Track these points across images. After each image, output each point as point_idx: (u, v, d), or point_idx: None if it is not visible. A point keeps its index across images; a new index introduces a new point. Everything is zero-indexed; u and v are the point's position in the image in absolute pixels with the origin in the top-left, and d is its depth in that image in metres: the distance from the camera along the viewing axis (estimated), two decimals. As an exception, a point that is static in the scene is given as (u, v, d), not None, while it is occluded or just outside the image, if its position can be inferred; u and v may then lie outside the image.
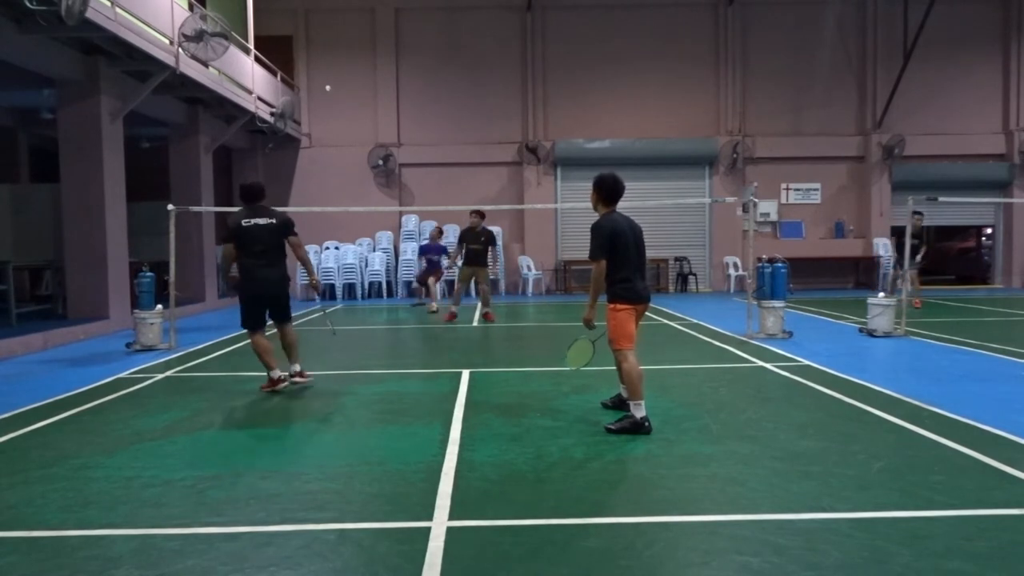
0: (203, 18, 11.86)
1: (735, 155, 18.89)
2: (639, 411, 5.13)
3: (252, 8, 16.08)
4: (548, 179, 19.02)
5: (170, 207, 9.96)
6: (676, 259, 19.21)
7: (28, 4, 8.72)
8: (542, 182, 18.93)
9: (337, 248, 18.48)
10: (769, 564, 3.09)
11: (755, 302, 10.12)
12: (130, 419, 5.76)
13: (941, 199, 11.58)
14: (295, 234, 6.83)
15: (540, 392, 6.58)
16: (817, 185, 19.53)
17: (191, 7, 12.33)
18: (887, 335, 9.85)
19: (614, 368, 5.50)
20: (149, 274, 9.78)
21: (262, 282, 6.66)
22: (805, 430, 5.19)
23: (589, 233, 5.27)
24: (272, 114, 16.35)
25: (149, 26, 11.02)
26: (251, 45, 15.69)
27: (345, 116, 19.01)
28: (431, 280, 14.52)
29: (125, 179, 11.99)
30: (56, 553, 3.29)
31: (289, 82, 18.30)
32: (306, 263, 7.06)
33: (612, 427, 5.15)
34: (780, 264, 10.39)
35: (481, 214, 12.30)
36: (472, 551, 3.27)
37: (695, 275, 19.17)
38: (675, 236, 19.29)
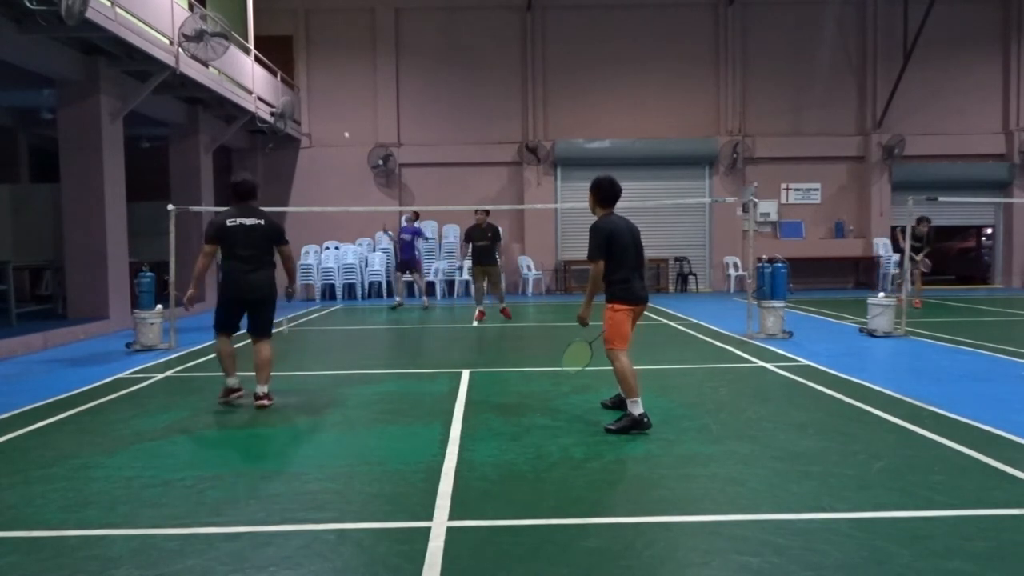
0: (203, 18, 11.86)
1: (735, 155, 18.89)
2: (636, 408, 5.14)
3: (252, 8, 16.08)
4: (548, 179, 19.02)
5: (170, 207, 9.96)
6: (676, 259, 19.20)
7: (28, 4, 8.72)
8: (542, 182, 18.93)
9: (337, 248, 18.48)
10: (769, 564, 3.09)
11: (755, 302, 10.12)
12: (130, 419, 5.76)
13: (941, 199, 11.58)
14: (287, 243, 6.30)
15: (540, 392, 6.58)
16: (817, 185, 19.53)
17: (191, 7, 12.33)
18: (887, 335, 9.85)
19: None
20: (149, 274, 9.78)
21: (246, 286, 6.04)
22: (805, 430, 5.19)
23: (588, 234, 5.28)
24: (272, 114, 16.35)
25: (149, 26, 11.02)
26: (251, 45, 15.69)
27: (345, 116, 19.01)
28: (416, 276, 14.95)
29: (125, 179, 12.00)
30: (56, 553, 3.29)
31: (289, 82, 18.30)
32: (292, 273, 6.57)
33: (612, 427, 5.16)
34: (780, 264, 10.39)
35: (486, 212, 12.50)
36: (472, 551, 3.27)
37: (695, 275, 19.17)
38: (675, 236, 19.30)
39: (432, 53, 19.09)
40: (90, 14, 9.12)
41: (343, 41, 19.03)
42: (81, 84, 11.12)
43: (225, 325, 6.20)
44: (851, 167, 19.48)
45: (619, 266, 5.22)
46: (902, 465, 4.37)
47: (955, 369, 7.58)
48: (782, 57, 19.16)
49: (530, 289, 18.45)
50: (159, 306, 9.64)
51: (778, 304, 9.92)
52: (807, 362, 7.90)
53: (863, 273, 19.60)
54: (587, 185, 5.52)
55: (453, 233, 18.74)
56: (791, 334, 9.79)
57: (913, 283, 13.33)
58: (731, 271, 18.98)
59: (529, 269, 18.68)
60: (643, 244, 5.49)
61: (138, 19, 10.69)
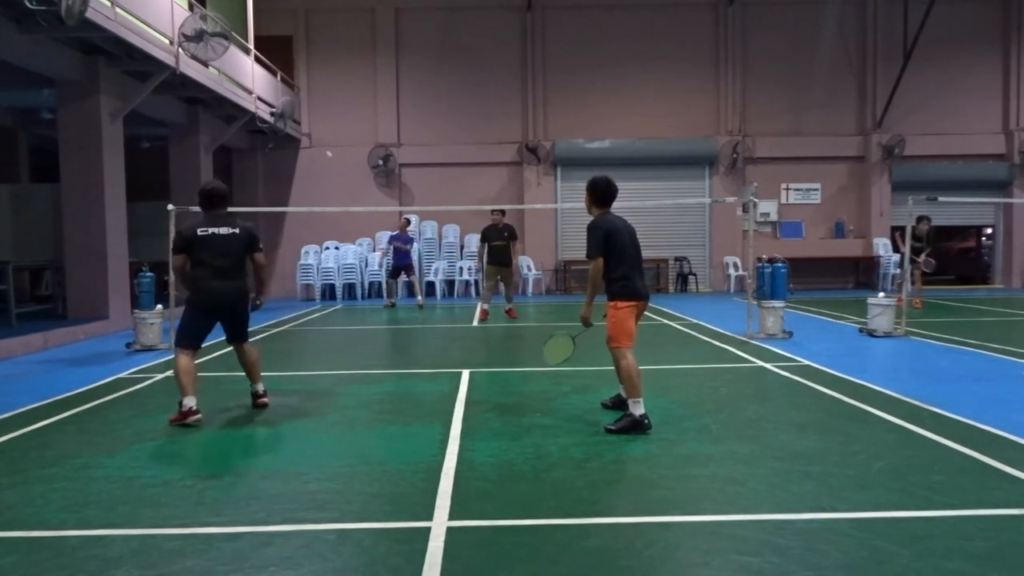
0: (203, 18, 11.85)
1: (735, 155, 18.89)
2: (638, 409, 5.14)
3: (252, 8, 16.08)
4: (548, 179, 19.02)
5: (170, 207, 9.95)
6: (676, 259, 19.20)
7: (28, 4, 8.71)
8: (542, 182, 18.93)
9: (337, 248, 18.48)
10: (769, 564, 3.09)
11: (755, 302, 10.12)
12: (130, 419, 5.76)
13: (941, 199, 11.56)
14: (261, 250, 6.01)
15: (540, 392, 6.59)
16: (817, 185, 19.53)
17: (191, 7, 12.33)
18: (887, 335, 9.85)
19: (613, 368, 5.50)
20: (149, 274, 9.79)
21: (223, 297, 5.76)
22: (805, 430, 5.19)
23: (586, 233, 5.29)
24: (272, 114, 16.35)
25: (149, 26, 11.02)
26: (251, 45, 15.68)
27: (345, 116, 19.01)
28: (413, 278, 15.22)
29: (125, 179, 11.99)
30: (56, 553, 3.29)
31: (289, 82, 18.30)
32: (263, 283, 6.26)
33: (612, 427, 5.16)
34: (780, 264, 10.40)
35: (502, 212, 12.62)
36: (472, 551, 3.27)
37: (695, 275, 19.17)
38: (675, 236, 19.29)
39: (432, 53, 19.09)
40: (90, 14, 9.12)
41: (343, 41, 19.03)
42: (81, 84, 11.12)
43: (193, 339, 5.76)
44: (851, 167, 19.48)
45: (618, 264, 5.23)
46: (902, 465, 4.37)
47: (955, 369, 7.58)
48: (782, 57, 19.16)
49: (530, 289, 18.45)
50: (159, 306, 9.64)
51: (778, 304, 9.92)
52: (807, 362, 7.90)
53: (863, 273, 19.60)
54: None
55: (453, 233, 18.74)
56: (791, 334, 9.79)
57: (913, 283, 13.33)
58: (731, 271, 18.98)
59: (529, 269, 18.68)
60: (642, 244, 5.50)
61: (138, 19, 10.69)
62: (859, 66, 19.31)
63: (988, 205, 19.47)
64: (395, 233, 15.46)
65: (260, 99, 15.90)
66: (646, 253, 5.55)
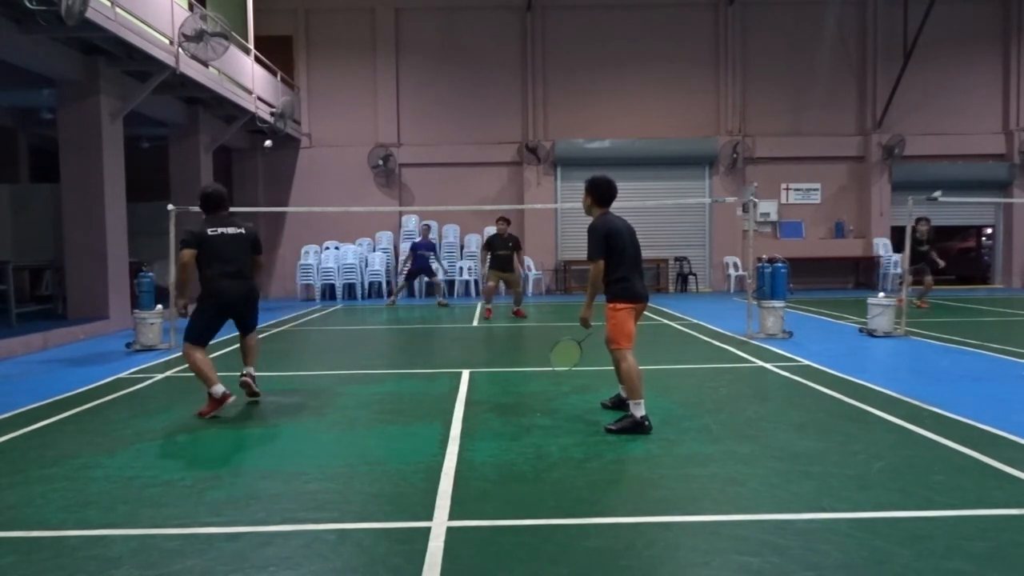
0: (203, 18, 11.86)
1: (735, 155, 18.89)
2: (639, 410, 5.14)
3: (252, 8, 16.08)
4: (548, 179, 19.02)
5: (170, 207, 9.96)
6: (676, 259, 19.20)
7: (28, 4, 8.71)
8: (542, 182, 18.93)
9: (337, 248, 18.48)
10: (769, 564, 3.09)
11: (755, 302, 10.12)
12: (130, 419, 5.76)
13: (941, 199, 11.55)
14: (261, 251, 6.26)
15: (540, 392, 6.59)
16: (817, 185, 19.53)
17: (191, 7, 12.33)
18: (887, 335, 9.85)
19: (613, 368, 5.50)
20: (149, 274, 9.79)
21: (232, 297, 5.91)
22: (805, 430, 5.19)
23: (586, 234, 5.28)
24: (272, 114, 16.35)
25: (149, 26, 11.02)
26: (251, 45, 15.69)
27: (345, 116, 19.01)
28: (436, 280, 15.66)
29: (125, 179, 12.00)
30: (56, 553, 3.29)
31: (289, 82, 18.30)
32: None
33: (612, 427, 5.16)
34: (780, 264, 10.39)
35: (507, 220, 12.93)
36: (472, 551, 3.27)
37: (695, 275, 19.17)
38: (675, 236, 19.30)
39: (432, 53, 19.09)
40: (90, 14, 9.12)
41: (343, 41, 19.03)
42: (81, 84, 11.12)
43: (205, 338, 5.92)
44: (851, 167, 19.48)
45: (618, 265, 5.22)
46: (902, 465, 4.37)
47: (955, 369, 7.58)
48: (782, 57, 19.16)
49: (530, 289, 18.43)
50: (159, 306, 9.65)
51: (778, 304, 9.92)
52: (807, 362, 7.90)
53: (863, 273, 19.60)
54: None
55: (453, 233, 18.75)
56: (791, 334, 9.79)
57: (924, 284, 13.35)
58: (731, 271, 18.98)
59: (529, 269, 18.67)
60: (642, 244, 5.50)
61: (138, 19, 10.69)
62: (859, 66, 19.31)
63: (988, 205, 19.46)
64: (418, 240, 15.99)
65: (260, 99, 15.90)
66: (646, 253, 5.55)
